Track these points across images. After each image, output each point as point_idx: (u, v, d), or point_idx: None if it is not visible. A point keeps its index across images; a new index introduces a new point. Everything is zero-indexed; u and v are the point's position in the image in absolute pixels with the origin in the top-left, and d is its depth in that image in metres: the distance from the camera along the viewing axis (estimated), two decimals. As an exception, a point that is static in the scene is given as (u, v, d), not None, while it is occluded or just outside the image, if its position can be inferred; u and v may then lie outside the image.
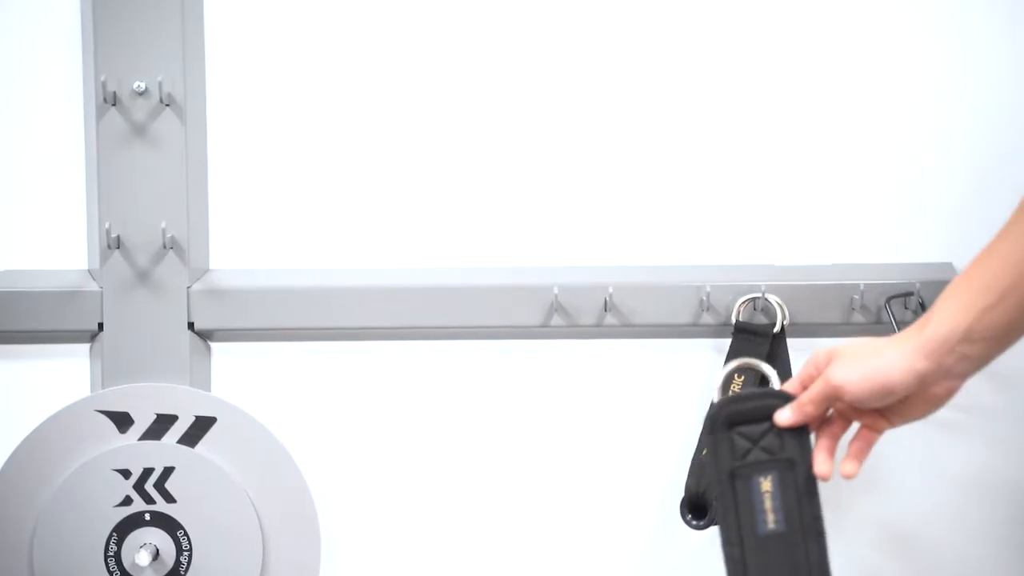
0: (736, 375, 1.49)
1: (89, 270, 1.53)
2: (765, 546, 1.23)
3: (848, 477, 1.21)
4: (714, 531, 1.50)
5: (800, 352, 1.53)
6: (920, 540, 1.59)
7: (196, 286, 1.53)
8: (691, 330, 1.54)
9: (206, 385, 1.55)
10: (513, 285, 1.52)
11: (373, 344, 1.56)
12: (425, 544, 1.59)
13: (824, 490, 1.49)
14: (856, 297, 1.52)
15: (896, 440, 1.53)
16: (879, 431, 1.22)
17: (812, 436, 1.23)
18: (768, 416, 1.23)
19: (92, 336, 1.53)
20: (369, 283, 1.53)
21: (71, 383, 1.54)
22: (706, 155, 1.54)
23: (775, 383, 1.28)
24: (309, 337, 1.55)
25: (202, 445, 1.50)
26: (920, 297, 1.52)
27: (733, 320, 1.51)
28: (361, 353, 1.56)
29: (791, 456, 1.23)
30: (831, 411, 1.22)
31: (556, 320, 1.53)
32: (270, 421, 1.53)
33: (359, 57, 1.52)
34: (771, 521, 1.23)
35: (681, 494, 1.50)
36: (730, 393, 1.33)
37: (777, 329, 1.51)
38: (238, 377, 1.56)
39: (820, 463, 1.21)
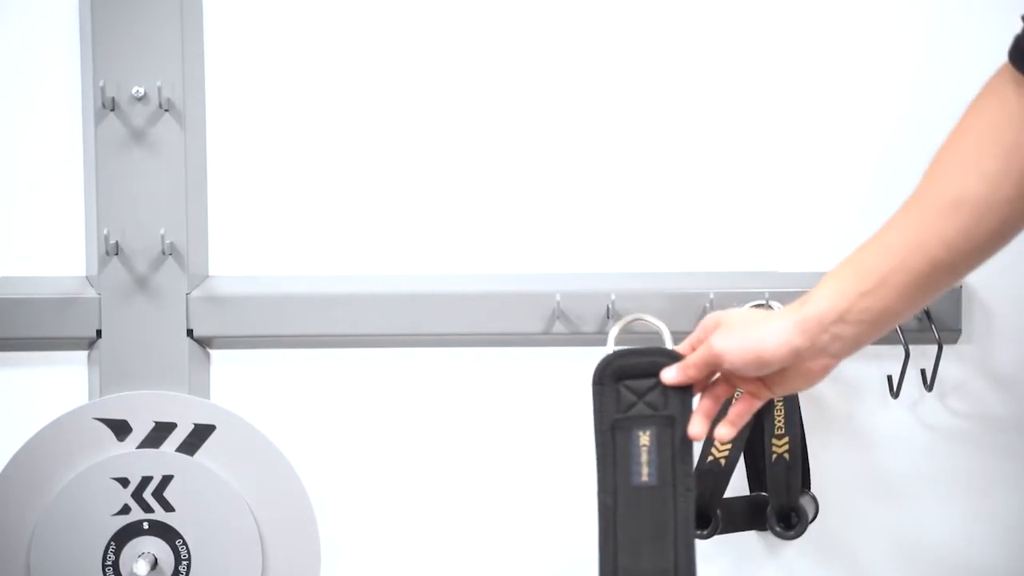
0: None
1: (87, 276, 1.53)
2: (637, 497, 1.29)
3: (721, 440, 1.27)
4: (718, 540, 1.50)
5: None
6: (927, 550, 1.59)
7: (195, 293, 1.52)
8: None
9: (205, 393, 1.55)
10: (515, 292, 1.52)
11: (374, 351, 1.55)
12: (425, 552, 1.59)
13: (832, 500, 1.55)
14: None
15: (905, 450, 1.57)
16: (761, 398, 1.27)
17: (697, 397, 1.28)
18: (655, 372, 1.28)
19: (90, 343, 1.53)
20: (370, 290, 1.53)
21: (69, 390, 1.53)
22: (710, 161, 1.54)
23: (667, 341, 1.36)
24: (309, 344, 1.55)
25: (201, 453, 1.50)
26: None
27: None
28: (362, 360, 1.56)
29: (672, 414, 1.28)
30: (717, 375, 1.27)
31: (558, 327, 1.53)
32: (270, 429, 1.53)
33: (360, 62, 1.53)
34: (645, 474, 1.29)
35: None
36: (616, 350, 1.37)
37: None
38: (237, 385, 1.56)
39: (695, 424, 1.26)
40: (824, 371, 1.22)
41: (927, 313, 1.51)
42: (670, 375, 1.27)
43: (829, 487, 1.56)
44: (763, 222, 1.55)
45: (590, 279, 1.53)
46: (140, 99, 1.49)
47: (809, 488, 1.54)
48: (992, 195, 1.13)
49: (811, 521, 1.51)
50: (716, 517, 1.48)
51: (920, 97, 1.53)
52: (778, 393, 1.26)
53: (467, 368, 1.56)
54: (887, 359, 1.54)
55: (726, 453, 1.48)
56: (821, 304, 1.19)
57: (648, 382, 1.30)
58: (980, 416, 1.57)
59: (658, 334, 1.43)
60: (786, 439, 1.49)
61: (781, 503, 1.48)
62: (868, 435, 1.57)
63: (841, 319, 1.18)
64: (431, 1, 1.52)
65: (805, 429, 1.52)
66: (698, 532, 1.47)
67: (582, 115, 1.53)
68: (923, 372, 1.53)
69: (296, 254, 1.54)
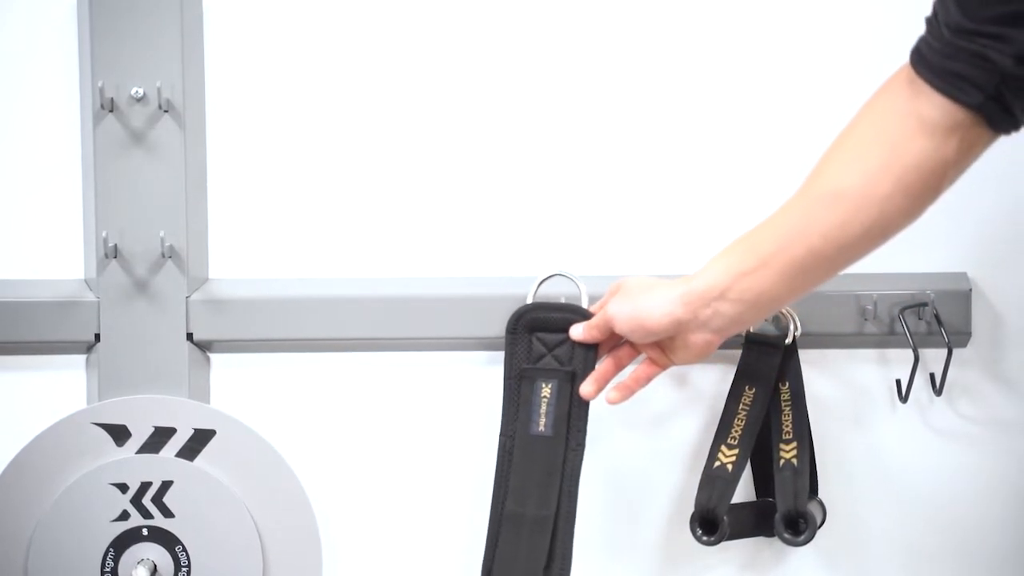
0: (747, 387, 1.48)
1: (86, 280, 1.52)
2: (532, 445, 1.40)
3: (611, 402, 1.36)
4: (724, 546, 1.49)
5: (812, 364, 1.53)
6: (937, 557, 1.59)
7: (195, 296, 1.52)
8: None
9: (205, 397, 1.54)
10: (520, 295, 1.51)
11: (376, 355, 1.55)
12: (428, 559, 1.58)
13: (840, 506, 1.54)
14: (869, 307, 1.51)
15: (914, 455, 1.57)
16: (660, 366, 1.35)
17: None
18: (566, 328, 1.41)
19: (89, 347, 1.52)
20: (372, 293, 1.52)
21: (67, 395, 1.52)
22: (712, 160, 1.54)
23: (584, 299, 1.45)
24: (311, 348, 1.54)
25: (201, 458, 1.50)
26: (935, 308, 1.51)
27: (743, 331, 1.50)
28: (364, 364, 1.55)
29: (574, 370, 1.40)
30: (623, 340, 1.37)
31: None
32: (271, 434, 1.52)
33: (361, 64, 1.52)
34: (542, 424, 1.40)
35: (691, 509, 1.48)
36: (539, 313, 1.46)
37: (789, 340, 1.49)
38: (238, 389, 1.55)
39: (586, 384, 1.38)
40: (707, 346, 1.29)
41: (937, 317, 1.51)
42: (576, 332, 1.39)
43: (837, 493, 1.55)
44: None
45: (593, 282, 1.51)
46: (139, 100, 1.48)
47: (817, 494, 1.53)
48: (870, 190, 1.17)
49: (819, 527, 1.50)
50: (723, 523, 1.46)
51: None
52: (676, 362, 1.33)
53: (472, 372, 1.55)
54: (895, 363, 1.54)
55: (733, 459, 1.47)
56: (706, 279, 1.25)
57: (559, 336, 1.41)
58: (990, 420, 1.56)
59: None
60: (794, 444, 1.48)
61: (789, 509, 1.46)
62: (876, 440, 1.56)
63: (722, 296, 1.24)
64: (431, 5, 1.52)
65: (812, 434, 1.51)
66: (705, 538, 1.47)
67: (581, 118, 1.53)
68: (932, 376, 1.53)
69: (298, 257, 1.54)
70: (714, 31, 1.52)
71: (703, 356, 1.31)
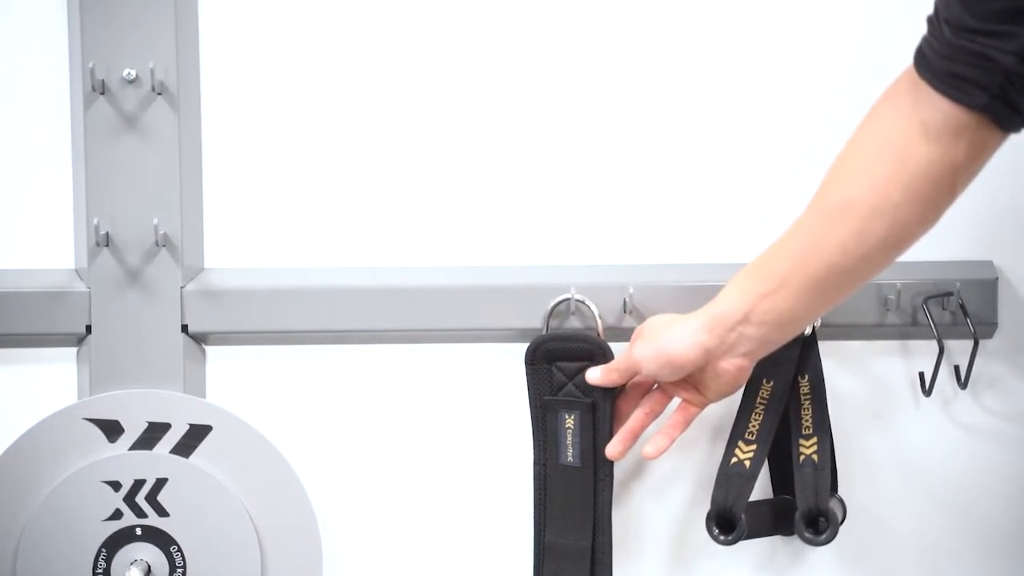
0: (764, 380, 1.46)
1: (76, 269, 1.51)
2: (564, 475, 1.46)
3: (648, 457, 1.37)
4: (742, 546, 1.48)
5: (831, 357, 1.51)
6: (961, 556, 1.57)
7: (190, 286, 1.50)
8: None
9: (201, 391, 1.53)
10: (527, 285, 1.51)
11: (377, 348, 1.54)
12: (431, 559, 1.57)
13: (860, 503, 1.53)
14: (892, 297, 1.50)
15: (937, 450, 1.55)
16: (696, 405, 1.35)
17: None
18: (582, 357, 1.44)
19: (79, 339, 1.51)
20: (374, 283, 1.52)
21: (57, 389, 1.51)
22: (731, 147, 1.52)
23: (597, 321, 1.47)
24: (310, 340, 1.53)
25: (197, 455, 1.49)
26: (960, 298, 1.49)
27: None
28: (365, 357, 1.54)
29: (594, 401, 1.43)
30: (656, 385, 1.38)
31: (572, 322, 1.51)
32: (269, 429, 1.51)
33: (362, 45, 1.51)
34: (570, 455, 1.45)
35: (707, 506, 1.46)
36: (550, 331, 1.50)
37: (808, 332, 1.47)
38: (235, 383, 1.54)
39: (612, 444, 1.39)
40: (739, 372, 1.29)
41: (962, 307, 1.49)
42: (594, 376, 1.39)
43: (857, 490, 1.54)
44: (789, 211, 1.45)
45: (606, 271, 1.52)
46: (132, 82, 1.47)
47: (836, 491, 1.51)
48: (880, 200, 1.18)
49: (839, 526, 1.48)
50: (741, 522, 1.44)
51: None
52: (710, 397, 1.33)
53: (476, 365, 1.54)
54: (918, 355, 1.52)
55: (751, 455, 1.45)
56: (727, 304, 1.26)
57: (579, 364, 1.45)
58: (1017, 415, 1.55)
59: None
60: (815, 439, 1.46)
61: (809, 507, 1.44)
62: (898, 435, 1.55)
63: (745, 319, 1.25)
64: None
65: (832, 429, 1.49)
66: (722, 538, 1.45)
67: (599, 95, 1.52)
68: (956, 368, 1.51)
69: (297, 246, 1.53)
70: (755, 18, 1.52)
71: (736, 385, 1.31)
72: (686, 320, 1.29)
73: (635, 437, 1.37)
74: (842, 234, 1.19)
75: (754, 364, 1.29)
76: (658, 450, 1.35)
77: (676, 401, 1.40)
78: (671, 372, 1.30)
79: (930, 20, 1.15)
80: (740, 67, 1.51)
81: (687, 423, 1.35)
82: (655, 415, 1.38)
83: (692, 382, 1.33)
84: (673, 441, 1.36)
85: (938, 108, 1.14)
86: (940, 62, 1.13)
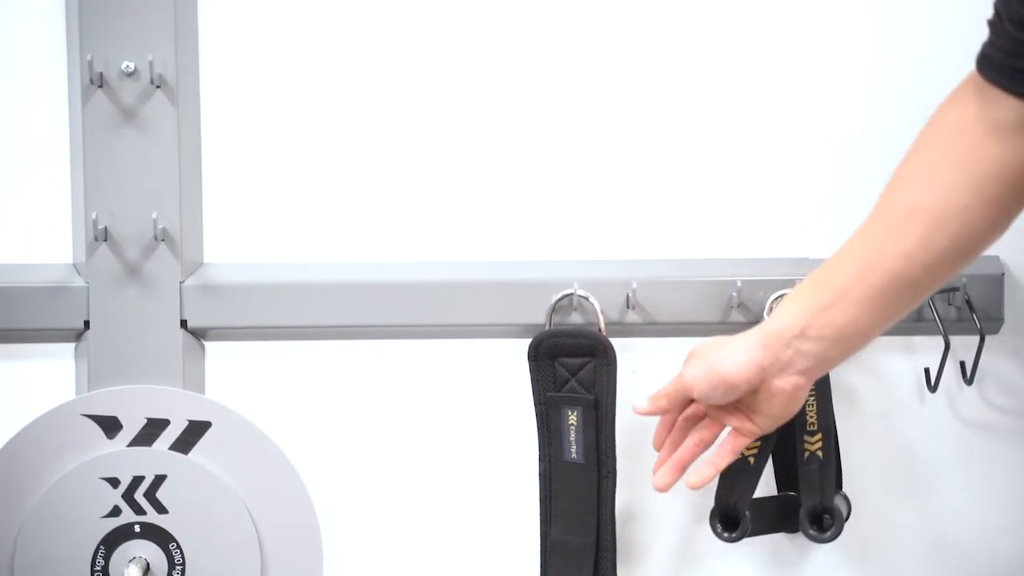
0: None
1: (74, 264, 1.51)
2: (568, 471, 1.46)
3: (692, 487, 1.27)
4: (747, 542, 1.48)
5: None
6: (966, 552, 1.57)
7: (189, 281, 1.50)
8: (720, 328, 1.47)
9: (200, 387, 1.52)
10: (529, 280, 1.50)
11: (378, 343, 1.53)
12: (434, 557, 1.56)
13: (865, 500, 1.53)
14: None
15: (942, 447, 1.55)
16: (745, 435, 1.27)
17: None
18: (583, 353, 1.45)
19: (77, 335, 1.51)
20: (375, 278, 1.51)
21: (55, 385, 1.51)
22: (736, 141, 1.52)
23: (599, 317, 1.47)
24: (311, 336, 1.53)
25: (196, 452, 1.49)
26: (966, 293, 1.49)
27: (765, 317, 1.48)
28: (366, 352, 1.53)
29: (596, 397, 1.44)
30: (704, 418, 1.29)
31: (575, 317, 1.50)
32: (269, 426, 1.50)
33: (363, 37, 1.50)
34: (574, 451, 1.45)
35: (710, 504, 1.47)
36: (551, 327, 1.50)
37: None
38: (234, 379, 1.53)
39: (660, 475, 1.29)
40: (795, 391, 1.22)
41: (968, 302, 1.49)
42: (640, 405, 1.29)
43: (862, 486, 1.54)
44: (794, 206, 1.53)
45: (608, 266, 1.51)
46: (130, 75, 1.47)
47: (841, 488, 1.51)
48: (948, 204, 1.14)
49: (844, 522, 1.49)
50: (745, 519, 1.44)
51: (946, 89, 1.47)
52: (761, 425, 1.25)
53: (478, 361, 1.54)
54: (924, 351, 1.52)
55: (755, 451, 1.45)
56: (782, 318, 1.20)
57: (581, 360, 1.45)
58: (1023, 410, 1.54)
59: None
60: (819, 435, 1.45)
61: (814, 504, 1.45)
62: (903, 431, 1.55)
63: (803, 334, 1.19)
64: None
65: (836, 425, 1.49)
66: (726, 535, 1.46)
67: (603, 92, 1.51)
68: (962, 364, 1.50)
69: (297, 240, 1.52)
70: (765, 11, 1.51)
71: (792, 407, 1.24)
72: (739, 338, 1.23)
73: (683, 468, 1.29)
74: (906, 242, 1.15)
75: (810, 384, 1.23)
76: (702, 480, 1.27)
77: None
78: (724, 392, 1.22)
79: (991, 23, 1.12)
80: (744, 62, 1.51)
81: (735, 453, 1.28)
82: (706, 445, 1.29)
83: (744, 407, 1.25)
84: (719, 471, 1.28)
85: (1007, 106, 1.11)
86: (1006, 60, 1.10)
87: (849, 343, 1.21)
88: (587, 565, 1.45)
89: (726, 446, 1.28)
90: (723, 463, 1.28)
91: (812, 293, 1.20)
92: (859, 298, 1.17)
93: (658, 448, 1.30)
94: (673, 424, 1.30)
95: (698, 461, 1.28)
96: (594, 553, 1.46)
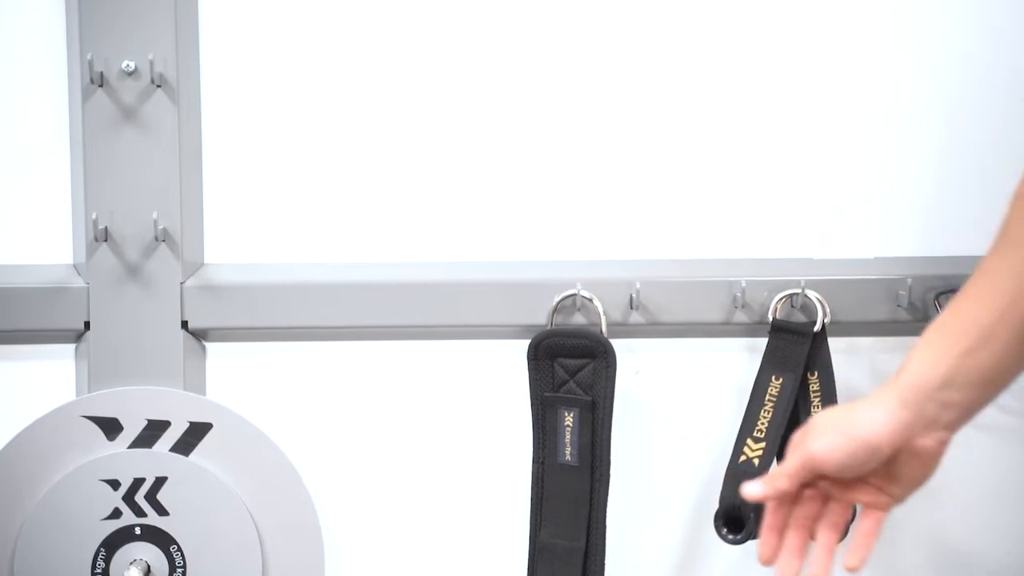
0: (773, 377, 1.46)
1: (74, 264, 1.50)
2: (561, 474, 1.45)
3: (851, 570, 1.11)
4: (749, 545, 1.45)
5: (842, 353, 1.50)
6: (975, 559, 1.57)
7: (190, 282, 1.50)
8: (723, 329, 1.52)
9: (201, 388, 1.52)
10: (531, 280, 1.50)
11: (380, 344, 1.53)
12: (436, 559, 1.56)
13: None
14: (903, 293, 1.48)
15: (952, 451, 1.47)
16: (883, 509, 1.13)
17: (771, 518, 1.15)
18: (583, 354, 1.45)
19: (78, 336, 1.51)
20: (377, 278, 1.51)
21: (55, 386, 1.51)
22: (740, 140, 1.51)
23: (601, 317, 1.45)
24: (312, 337, 1.53)
25: (197, 453, 1.48)
26: None
27: (769, 318, 1.48)
28: (368, 353, 1.53)
29: (595, 399, 1.44)
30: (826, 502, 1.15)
31: (578, 318, 1.50)
32: (270, 427, 1.50)
33: (365, 36, 1.49)
34: (568, 453, 1.45)
35: (715, 505, 1.46)
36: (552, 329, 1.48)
37: (818, 328, 1.46)
38: (235, 380, 1.53)
39: (765, 546, 1.14)
40: (939, 447, 1.10)
41: None
42: (754, 490, 1.13)
43: None
44: (799, 205, 1.52)
45: (612, 266, 1.51)
46: (131, 74, 1.46)
47: None
48: None
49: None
50: (750, 521, 1.43)
51: (984, 74, 1.51)
52: (897, 494, 1.13)
53: (481, 362, 1.53)
54: None
55: (760, 453, 1.44)
56: (919, 370, 1.08)
57: (581, 361, 1.45)
58: None
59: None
60: None
61: None
62: None
63: (948, 384, 1.07)
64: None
65: (842, 427, 1.48)
66: (730, 537, 1.45)
67: (605, 91, 1.50)
68: None
69: (299, 240, 1.52)
70: (772, 11, 1.51)
71: (933, 466, 1.12)
72: (871, 401, 1.10)
73: (802, 557, 1.14)
74: None
75: (952, 436, 1.11)
76: (862, 560, 1.12)
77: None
78: (865, 459, 1.09)
79: None
80: (748, 63, 1.50)
81: (877, 532, 1.13)
82: (843, 531, 1.15)
83: (878, 477, 1.12)
84: (868, 555, 1.12)
85: None
86: None
87: (995, 387, 1.09)
88: (575, 569, 1.45)
89: (866, 528, 1.13)
90: (873, 542, 1.13)
91: (950, 337, 1.08)
92: (1007, 337, 1.06)
93: (768, 562, 1.15)
94: (785, 518, 1.14)
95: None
96: (583, 557, 1.45)
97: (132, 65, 1.45)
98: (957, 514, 1.56)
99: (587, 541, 1.45)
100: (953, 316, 1.09)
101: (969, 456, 1.53)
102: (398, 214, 1.52)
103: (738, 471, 1.44)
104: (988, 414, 1.47)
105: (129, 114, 1.46)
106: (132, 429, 1.47)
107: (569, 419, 1.45)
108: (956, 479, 1.53)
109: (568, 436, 1.45)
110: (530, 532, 1.48)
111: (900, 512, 1.48)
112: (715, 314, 1.50)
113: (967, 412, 1.10)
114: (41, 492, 1.46)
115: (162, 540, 1.48)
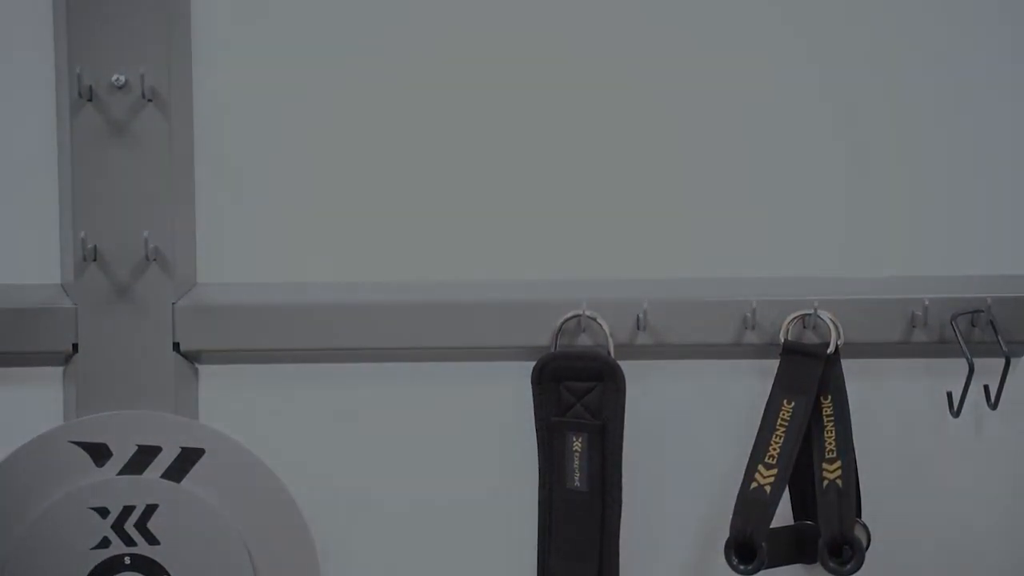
0: (785, 401, 1.45)
1: (62, 284, 1.50)
2: (570, 500, 1.44)
3: None
4: (761, 574, 1.45)
5: (855, 375, 1.49)
6: (975, 551, 1.55)
7: (182, 302, 1.49)
8: (734, 350, 1.51)
9: (193, 413, 1.52)
10: (535, 301, 1.49)
11: (378, 366, 1.53)
12: None
13: (885, 529, 1.51)
14: (918, 313, 1.48)
15: (966, 474, 1.54)
16: None
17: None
18: (591, 377, 1.43)
19: (65, 358, 1.50)
20: (376, 299, 1.50)
21: (42, 411, 1.51)
22: (750, 158, 1.51)
23: (608, 337, 1.44)
24: (309, 359, 1.52)
25: (189, 480, 1.48)
26: (991, 314, 1.48)
27: (781, 339, 1.47)
28: (365, 376, 1.52)
29: (604, 423, 1.42)
30: None
31: (584, 339, 1.49)
32: (265, 453, 1.49)
33: (359, 50, 1.50)
34: (577, 479, 1.43)
35: (725, 534, 1.44)
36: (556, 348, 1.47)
37: (831, 350, 1.45)
38: (229, 404, 1.53)
39: None
40: None
41: (992, 324, 1.47)
42: None
43: (882, 515, 1.52)
44: (811, 224, 1.52)
45: (619, 286, 1.50)
46: (120, 88, 1.47)
47: (860, 516, 1.48)
48: None
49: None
50: (761, 550, 1.41)
51: (989, 90, 1.52)
52: None
53: (482, 384, 1.52)
54: (947, 374, 1.50)
55: (771, 479, 1.42)
56: None
57: (588, 384, 1.43)
58: None
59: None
60: (839, 463, 1.43)
61: (834, 535, 1.42)
62: (925, 457, 1.54)
63: None
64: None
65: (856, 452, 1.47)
66: (742, 567, 1.43)
67: (611, 109, 1.50)
68: (986, 388, 1.49)
69: (293, 260, 1.51)
70: (772, 23, 1.51)
71: None
72: None
73: None
74: None
75: None
76: None
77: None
78: None
79: None
80: (759, 81, 1.50)
81: None
82: None
83: None
84: None
85: None
86: None
87: None
88: None
89: None
90: None
91: None
92: None
93: None
94: None
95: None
96: None
97: (122, 79, 1.46)
98: (977, 542, 1.55)
99: (600, 569, 1.43)
100: None
101: (991, 483, 1.54)
102: (396, 232, 1.51)
103: (749, 498, 1.43)
104: (1006, 440, 1.53)
105: (119, 129, 1.47)
106: (122, 455, 1.46)
107: (578, 444, 1.43)
108: (976, 508, 1.54)
109: (577, 461, 1.43)
110: (538, 558, 1.47)
111: (921, 540, 1.53)
112: (725, 335, 1.49)
113: None
114: (27, 520, 1.45)
115: (152, 570, 1.46)
